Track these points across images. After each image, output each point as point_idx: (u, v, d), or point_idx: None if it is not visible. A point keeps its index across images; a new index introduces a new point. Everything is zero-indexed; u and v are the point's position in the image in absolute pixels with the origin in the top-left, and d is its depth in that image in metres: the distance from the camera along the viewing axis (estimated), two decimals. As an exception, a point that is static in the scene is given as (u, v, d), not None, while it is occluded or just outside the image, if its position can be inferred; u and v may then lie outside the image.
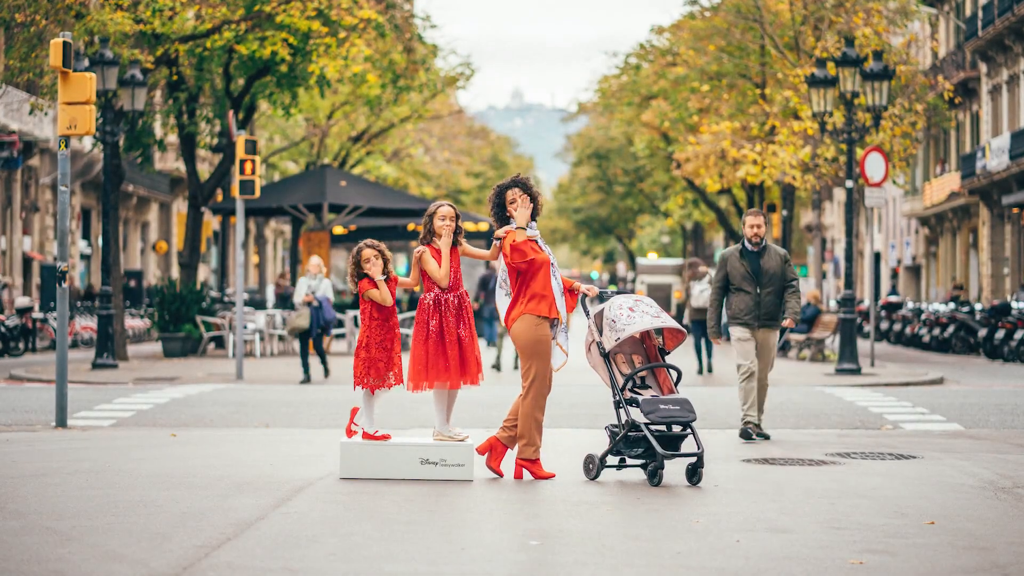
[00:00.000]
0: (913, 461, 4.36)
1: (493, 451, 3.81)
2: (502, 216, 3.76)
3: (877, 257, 23.74)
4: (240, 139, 9.18)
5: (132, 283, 16.55)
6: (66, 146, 5.59)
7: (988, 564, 2.72)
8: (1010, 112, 16.58)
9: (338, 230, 14.90)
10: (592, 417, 6.06)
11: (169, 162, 19.30)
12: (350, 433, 3.84)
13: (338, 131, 17.84)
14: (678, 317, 13.41)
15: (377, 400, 3.82)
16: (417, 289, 3.81)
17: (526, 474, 3.82)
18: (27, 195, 15.88)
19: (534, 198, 3.74)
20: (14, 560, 2.65)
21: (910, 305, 16.12)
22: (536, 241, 3.76)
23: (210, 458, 4.29)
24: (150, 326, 13.53)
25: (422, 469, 3.77)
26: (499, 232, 3.73)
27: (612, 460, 3.89)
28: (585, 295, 3.85)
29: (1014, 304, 12.06)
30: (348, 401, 6.75)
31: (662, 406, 3.74)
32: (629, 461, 3.88)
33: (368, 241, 3.82)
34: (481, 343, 9.63)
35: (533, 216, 3.75)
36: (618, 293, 3.93)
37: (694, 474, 3.76)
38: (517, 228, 3.70)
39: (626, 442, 3.78)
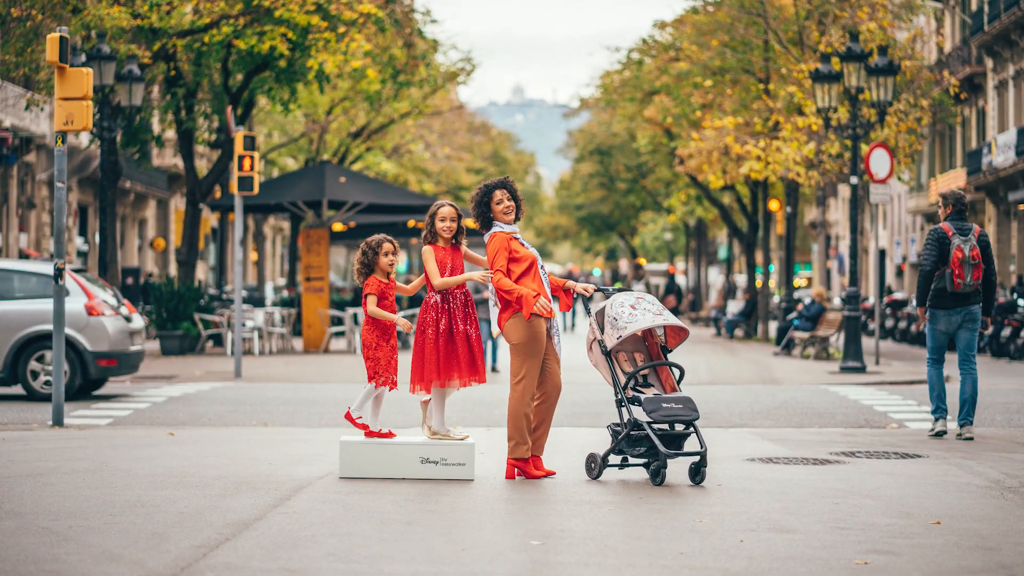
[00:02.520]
0: (918, 460, 4.33)
1: (524, 467, 3.77)
2: (485, 216, 3.73)
3: (882, 254, 23.55)
4: (238, 135, 9.12)
5: (129, 280, 16.48)
6: (63, 142, 5.57)
7: (994, 564, 2.69)
8: (1016, 108, 16.46)
9: (337, 227, 14.83)
10: (594, 416, 6.04)
11: (167, 158, 19.19)
12: (365, 431, 3.80)
13: (337, 127, 17.72)
14: None
15: (382, 398, 3.80)
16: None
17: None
18: (23, 191, 15.83)
19: (518, 202, 3.74)
20: (10, 560, 2.62)
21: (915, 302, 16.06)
22: (520, 241, 3.74)
23: (208, 457, 4.26)
24: (147, 324, 13.53)
25: (422, 468, 3.74)
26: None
27: (614, 459, 3.86)
28: (582, 294, 3.82)
29: (1021, 302, 11.97)
30: (347, 400, 6.70)
31: (664, 404, 3.71)
32: (631, 460, 3.85)
33: (389, 238, 3.76)
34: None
35: (516, 219, 3.75)
36: (619, 291, 3.91)
37: (697, 473, 3.73)
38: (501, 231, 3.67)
39: (628, 441, 3.75)
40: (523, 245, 3.73)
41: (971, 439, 4.70)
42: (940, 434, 4.71)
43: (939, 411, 4.71)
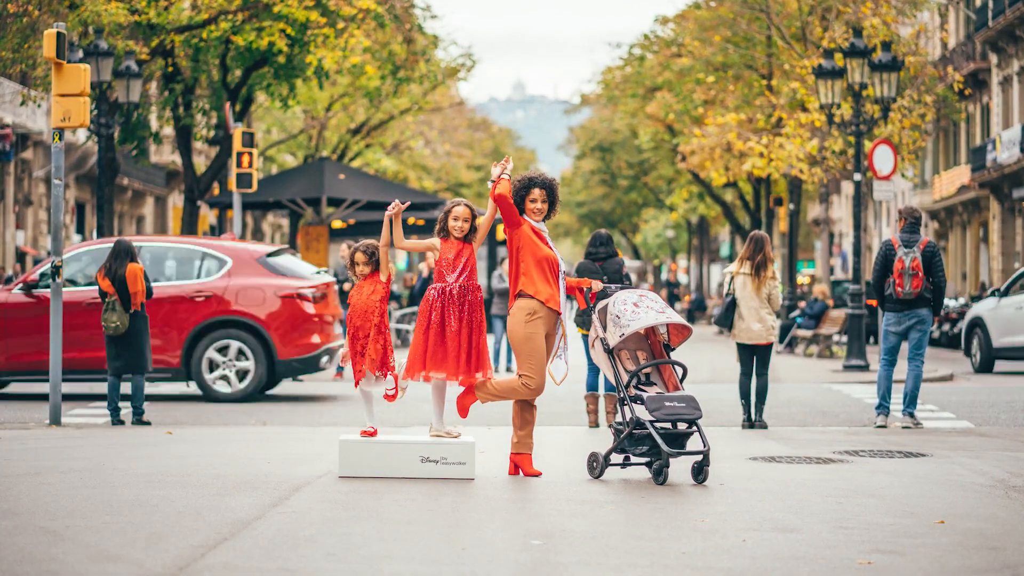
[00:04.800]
0: (922, 459, 4.30)
1: (520, 463, 3.78)
2: (517, 206, 3.73)
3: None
4: (237, 131, 9.11)
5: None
6: (60, 139, 5.53)
7: (999, 564, 2.66)
8: (1021, 104, 16.38)
9: (337, 224, 14.79)
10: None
11: (165, 155, 19.18)
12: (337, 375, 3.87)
13: (337, 123, 17.68)
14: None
15: (370, 396, 3.80)
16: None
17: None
18: (20, 189, 15.78)
19: (553, 204, 3.75)
20: (7, 561, 2.60)
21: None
22: (547, 241, 3.73)
23: (206, 456, 4.24)
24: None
25: (422, 467, 3.71)
26: (494, 172, 3.69)
27: (616, 458, 3.83)
28: (589, 289, 3.83)
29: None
30: (347, 399, 6.67)
31: (667, 403, 3.69)
32: (634, 459, 3.82)
33: (359, 247, 3.80)
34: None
35: (547, 217, 3.76)
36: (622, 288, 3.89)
37: (700, 472, 3.71)
38: (500, 179, 3.67)
39: (631, 440, 3.72)
40: (548, 246, 3.71)
41: (916, 426, 5.37)
42: (881, 427, 5.34)
43: (882, 408, 5.34)
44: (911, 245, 5.15)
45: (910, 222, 5.20)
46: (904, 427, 5.30)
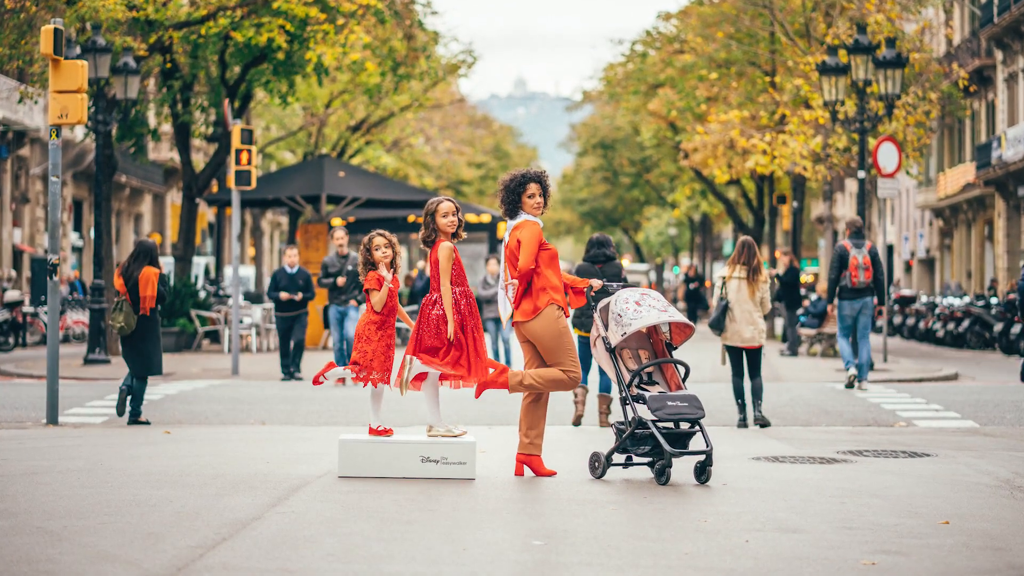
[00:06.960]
0: (927, 459, 4.29)
1: (531, 464, 3.77)
2: (514, 206, 3.71)
3: (890, 250, 23.21)
4: (236, 128, 9.03)
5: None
6: (57, 136, 5.49)
7: (1004, 565, 2.64)
8: (1026, 101, 16.35)
9: (336, 222, 14.74)
10: (598, 413, 5.94)
11: (163, 152, 19.13)
12: (316, 381, 3.79)
13: (336, 120, 17.57)
14: None
15: (382, 395, 3.76)
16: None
17: (527, 471, 3.78)
18: (17, 186, 15.72)
19: (547, 198, 3.78)
20: (4, 561, 2.58)
21: (924, 299, 15.90)
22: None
23: (205, 456, 4.22)
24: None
25: (423, 467, 3.69)
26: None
27: (618, 458, 3.82)
28: (591, 287, 3.82)
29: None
30: (347, 398, 6.65)
31: (670, 403, 3.66)
32: (636, 459, 3.81)
33: (380, 232, 3.76)
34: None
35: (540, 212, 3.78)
36: (623, 287, 3.87)
37: (702, 472, 3.69)
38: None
39: (633, 440, 3.70)
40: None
41: (865, 391, 7.02)
42: (851, 384, 7.06)
43: (848, 364, 7.07)
44: (860, 247, 6.87)
45: (855, 231, 6.89)
46: (862, 390, 6.92)
